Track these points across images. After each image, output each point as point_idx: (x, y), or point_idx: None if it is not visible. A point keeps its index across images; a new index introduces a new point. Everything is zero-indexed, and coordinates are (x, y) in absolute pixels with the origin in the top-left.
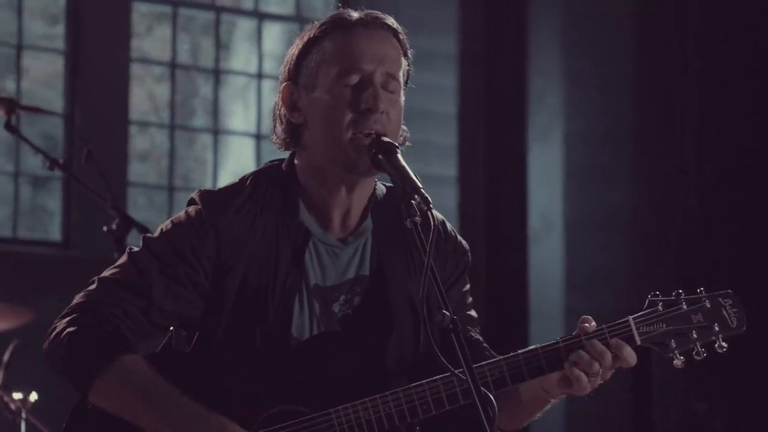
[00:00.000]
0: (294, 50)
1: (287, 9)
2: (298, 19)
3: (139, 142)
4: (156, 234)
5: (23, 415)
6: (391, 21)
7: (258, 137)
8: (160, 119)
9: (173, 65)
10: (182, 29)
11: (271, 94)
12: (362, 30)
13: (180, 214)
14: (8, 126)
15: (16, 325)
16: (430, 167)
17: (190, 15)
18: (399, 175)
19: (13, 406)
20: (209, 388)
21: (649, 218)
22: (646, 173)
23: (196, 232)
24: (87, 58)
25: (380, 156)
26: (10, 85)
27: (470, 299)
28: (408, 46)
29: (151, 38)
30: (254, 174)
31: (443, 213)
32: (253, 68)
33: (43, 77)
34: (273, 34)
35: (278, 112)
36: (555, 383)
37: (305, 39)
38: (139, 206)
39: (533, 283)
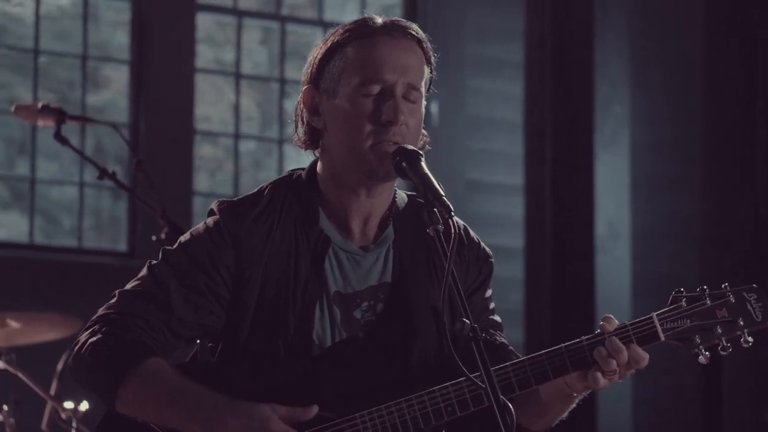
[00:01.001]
0: (317, 54)
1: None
2: None
3: (216, 151)
4: (175, 246)
5: (74, 424)
6: (415, 29)
7: None
8: (241, 129)
9: (238, 75)
10: (264, 40)
11: None
12: (385, 39)
13: (199, 225)
14: (58, 136)
15: (70, 334)
16: (497, 176)
17: (267, 26)
18: (422, 182)
19: (64, 416)
20: (235, 397)
21: (718, 227)
22: (714, 182)
23: (214, 242)
24: (152, 68)
25: (404, 164)
26: (91, 98)
27: (493, 305)
28: (431, 53)
29: (228, 48)
30: (273, 183)
31: (510, 222)
32: None
33: (124, 88)
34: None
35: (300, 114)
36: (575, 377)
37: (328, 44)
38: None
39: (600, 292)
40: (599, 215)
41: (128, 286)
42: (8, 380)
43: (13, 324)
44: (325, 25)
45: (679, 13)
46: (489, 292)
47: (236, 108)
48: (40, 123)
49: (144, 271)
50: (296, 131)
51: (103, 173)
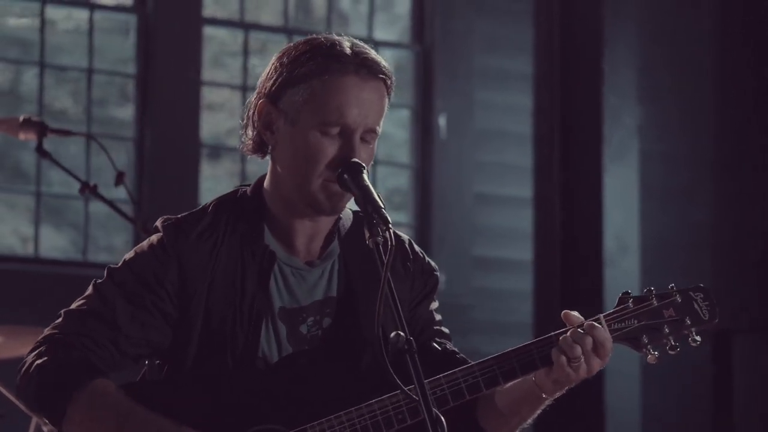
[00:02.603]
0: (278, 71)
1: (364, 31)
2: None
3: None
4: (120, 264)
5: None
6: (384, 67)
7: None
8: None
9: (244, 88)
10: None
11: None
12: (354, 80)
13: (143, 242)
14: (39, 149)
15: None
16: (506, 188)
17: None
18: (362, 195)
19: (47, 429)
20: (183, 414)
21: (730, 239)
22: (726, 191)
23: (158, 259)
24: (158, 80)
25: (345, 175)
26: (122, 112)
27: (440, 317)
28: (393, 85)
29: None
30: (218, 200)
31: (518, 234)
32: None
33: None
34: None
35: (252, 121)
36: (543, 373)
37: (294, 70)
38: None
39: (609, 304)
40: (608, 227)
41: (74, 306)
42: None
43: None
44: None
45: (688, 20)
46: (435, 305)
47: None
48: (22, 136)
49: (89, 290)
50: (245, 133)
51: (84, 186)
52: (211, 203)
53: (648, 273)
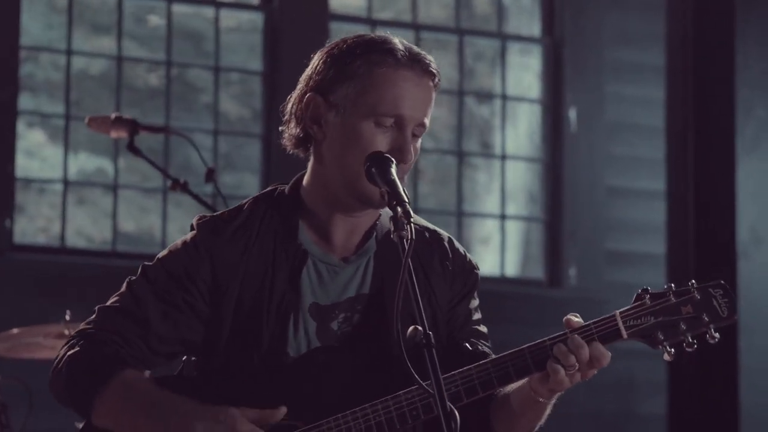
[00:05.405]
0: (328, 64)
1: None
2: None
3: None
4: (154, 261)
5: None
6: (433, 64)
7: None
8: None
9: None
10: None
11: (529, 118)
12: (409, 74)
13: (177, 240)
14: (131, 147)
15: None
16: (638, 181)
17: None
18: (388, 188)
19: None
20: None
21: None
22: None
23: (191, 257)
24: (285, 78)
25: (373, 169)
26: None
27: (478, 315)
28: (439, 87)
29: None
30: (254, 198)
31: (651, 227)
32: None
33: None
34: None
35: (297, 115)
36: (537, 380)
37: (346, 62)
38: None
39: (742, 297)
40: (741, 220)
41: (108, 302)
42: None
43: None
44: (463, 33)
45: None
46: (474, 303)
47: None
48: (114, 134)
49: (123, 288)
50: (288, 128)
51: (175, 183)
52: (247, 201)
53: None
